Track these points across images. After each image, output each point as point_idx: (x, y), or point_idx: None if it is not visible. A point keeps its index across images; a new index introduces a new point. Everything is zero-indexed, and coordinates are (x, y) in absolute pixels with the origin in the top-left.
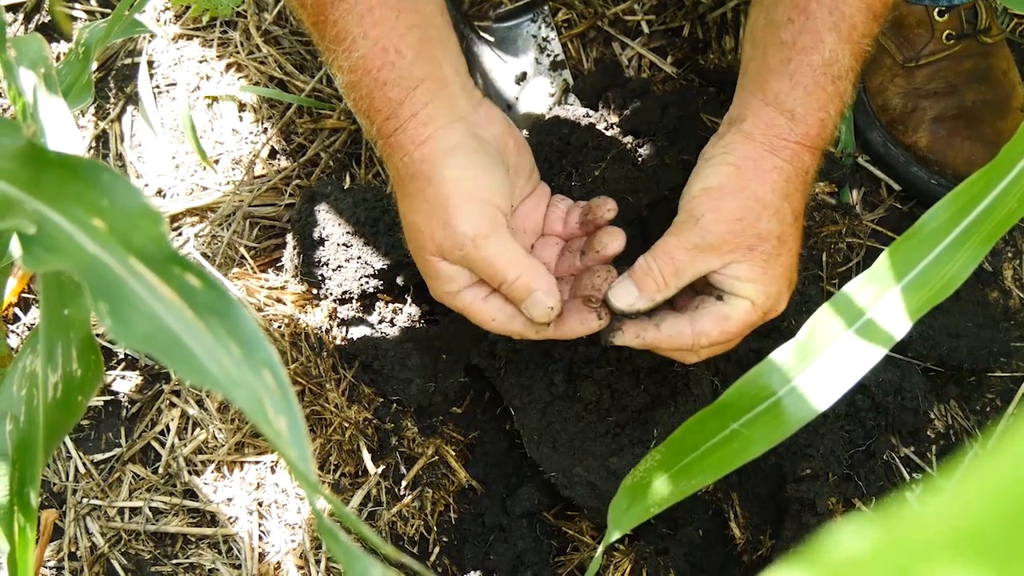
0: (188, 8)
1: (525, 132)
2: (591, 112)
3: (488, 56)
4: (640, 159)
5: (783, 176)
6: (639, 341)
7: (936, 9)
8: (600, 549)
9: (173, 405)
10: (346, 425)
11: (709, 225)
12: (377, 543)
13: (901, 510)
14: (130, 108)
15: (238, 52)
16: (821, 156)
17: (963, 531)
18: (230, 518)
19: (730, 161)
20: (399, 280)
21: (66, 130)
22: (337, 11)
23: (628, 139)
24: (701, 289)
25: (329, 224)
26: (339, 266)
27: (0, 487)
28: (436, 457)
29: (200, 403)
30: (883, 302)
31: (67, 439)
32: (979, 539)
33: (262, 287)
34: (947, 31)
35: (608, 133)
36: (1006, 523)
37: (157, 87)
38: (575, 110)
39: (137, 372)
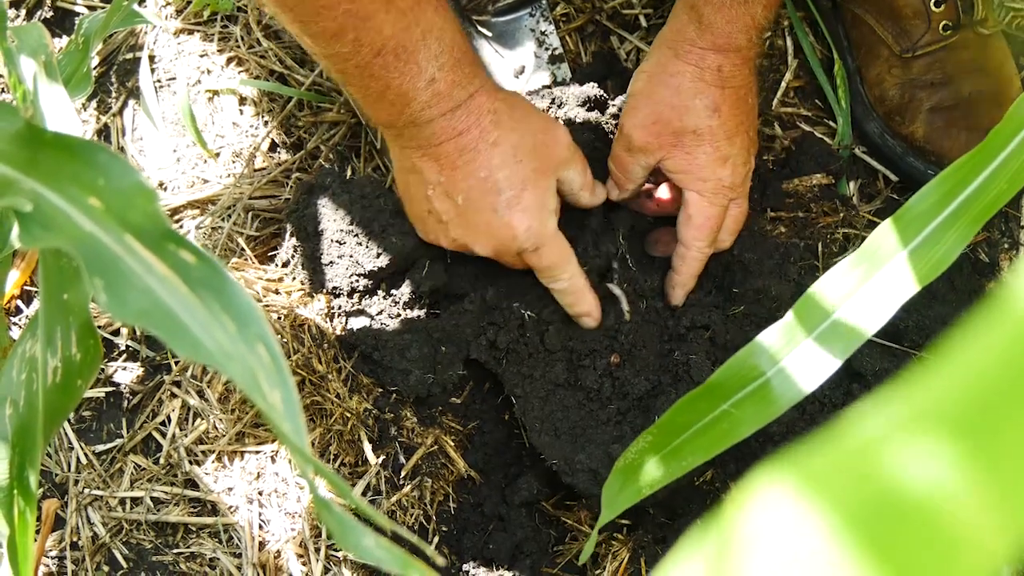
0: (189, 2)
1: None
2: (587, 92)
3: (487, 50)
4: (612, 136)
5: (687, 78)
6: (680, 287)
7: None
8: (594, 531)
9: (174, 396)
10: (348, 415)
11: (631, 132)
12: (371, 514)
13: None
14: (131, 102)
15: (238, 46)
16: (740, 59)
17: (934, 408)
18: (230, 507)
19: (645, 68)
20: (383, 284)
21: (66, 115)
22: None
23: (606, 118)
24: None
25: (325, 219)
26: (331, 262)
27: (0, 471)
28: (435, 447)
29: (201, 393)
30: (871, 283)
31: (69, 430)
32: (952, 414)
33: (260, 278)
34: (943, 22)
35: (592, 113)
36: (981, 398)
37: (158, 81)
38: (571, 88)
39: (138, 363)
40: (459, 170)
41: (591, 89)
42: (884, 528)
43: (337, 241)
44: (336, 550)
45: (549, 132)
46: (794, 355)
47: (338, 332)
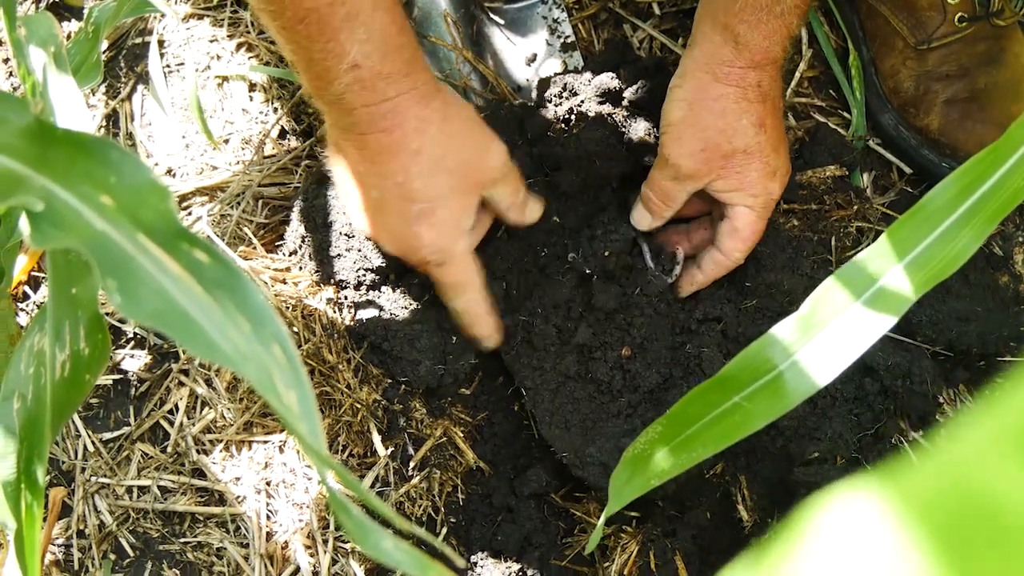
0: None
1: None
2: (602, 83)
3: (499, 38)
4: (624, 130)
5: (731, 100)
6: (695, 286)
7: None
8: (600, 521)
9: (182, 384)
10: (357, 406)
11: (678, 161)
12: (389, 515)
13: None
14: (140, 87)
15: (248, 32)
16: (775, 69)
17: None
18: (238, 497)
19: (683, 96)
20: (391, 277)
21: (76, 108)
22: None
23: (619, 110)
24: (711, 208)
25: (334, 210)
26: (339, 254)
27: (7, 465)
28: (444, 438)
29: (209, 382)
30: (886, 279)
31: (76, 418)
32: None
33: (268, 267)
34: (959, 13)
35: (605, 107)
36: None
37: (167, 66)
38: (584, 76)
39: (146, 351)
40: (378, 167)
41: (608, 80)
42: (977, 544)
43: (346, 234)
44: (344, 542)
45: (480, 151)
46: (807, 349)
47: (347, 322)
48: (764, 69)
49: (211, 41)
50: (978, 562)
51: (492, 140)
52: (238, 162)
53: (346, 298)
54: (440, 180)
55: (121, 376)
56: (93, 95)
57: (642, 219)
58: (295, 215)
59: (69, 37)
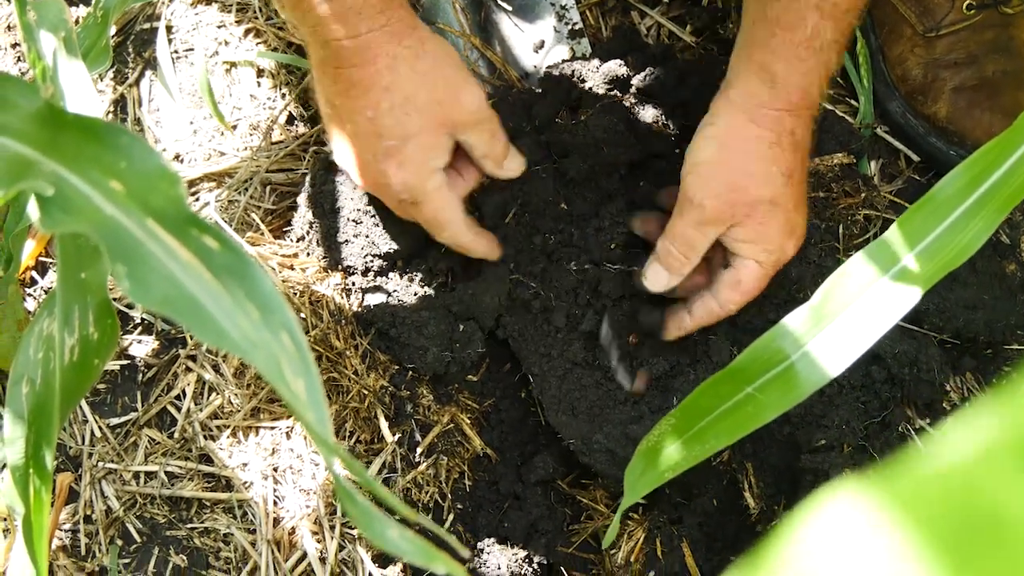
0: None
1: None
2: (611, 70)
3: (506, 24)
4: (634, 117)
5: (765, 144)
6: (682, 331)
7: None
8: (617, 515)
9: (189, 370)
10: (364, 392)
11: (704, 202)
12: (395, 504)
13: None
14: (148, 73)
15: (256, 18)
16: (810, 116)
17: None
18: (245, 483)
19: (715, 134)
20: (399, 263)
21: (85, 93)
22: None
23: (627, 97)
24: (712, 254)
25: (342, 196)
26: (347, 240)
27: (16, 449)
28: (451, 425)
29: (216, 368)
30: (896, 269)
31: (83, 403)
32: None
33: (275, 254)
34: (967, 1)
35: (613, 94)
36: None
37: (175, 52)
38: (592, 63)
39: (153, 337)
40: (351, 101)
41: (616, 68)
42: (978, 552)
43: (354, 220)
44: (351, 528)
45: (453, 91)
46: (819, 339)
47: (355, 308)
48: (800, 115)
49: (219, 27)
50: (979, 572)
51: (467, 81)
52: (246, 148)
53: (354, 284)
54: (410, 118)
55: (128, 362)
56: (101, 80)
57: (658, 279)
58: (303, 201)
59: (78, 22)
